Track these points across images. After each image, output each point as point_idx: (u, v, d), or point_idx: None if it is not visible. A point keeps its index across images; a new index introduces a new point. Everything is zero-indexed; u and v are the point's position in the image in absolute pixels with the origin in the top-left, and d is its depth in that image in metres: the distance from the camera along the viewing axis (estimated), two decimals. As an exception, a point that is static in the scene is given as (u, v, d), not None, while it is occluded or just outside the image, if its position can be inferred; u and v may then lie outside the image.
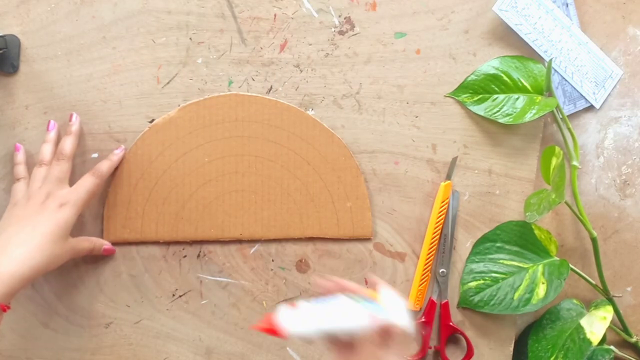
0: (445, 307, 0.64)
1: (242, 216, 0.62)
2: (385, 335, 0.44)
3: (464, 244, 0.64)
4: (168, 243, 0.63)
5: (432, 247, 0.63)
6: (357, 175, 0.62)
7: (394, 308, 0.44)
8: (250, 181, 0.62)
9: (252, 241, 0.63)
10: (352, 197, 0.62)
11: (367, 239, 0.63)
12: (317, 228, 0.63)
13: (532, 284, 0.61)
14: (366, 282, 0.64)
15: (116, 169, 0.60)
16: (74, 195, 0.56)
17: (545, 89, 0.62)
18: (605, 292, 0.65)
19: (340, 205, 0.62)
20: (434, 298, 0.64)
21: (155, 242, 0.62)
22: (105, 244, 0.61)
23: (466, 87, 0.62)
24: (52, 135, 0.59)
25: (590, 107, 0.66)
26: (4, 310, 0.50)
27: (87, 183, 0.57)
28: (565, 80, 0.64)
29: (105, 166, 0.59)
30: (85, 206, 0.57)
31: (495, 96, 0.63)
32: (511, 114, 0.61)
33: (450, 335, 0.64)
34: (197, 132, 0.61)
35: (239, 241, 0.63)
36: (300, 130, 0.62)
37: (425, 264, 0.63)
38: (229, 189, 0.62)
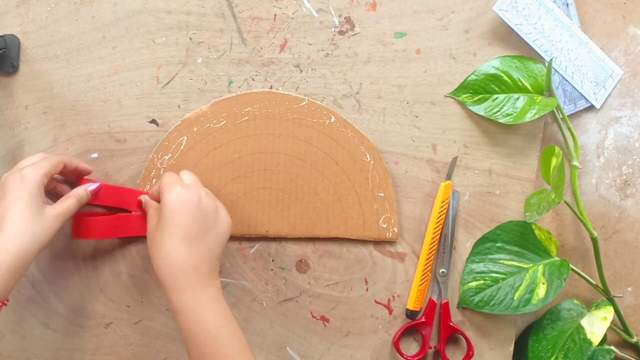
0: (445, 307, 0.64)
1: (269, 213, 0.62)
2: None
3: (464, 244, 0.64)
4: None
5: (432, 247, 0.63)
6: (385, 177, 0.62)
7: None
8: (278, 179, 0.62)
9: (277, 239, 0.63)
10: (379, 199, 0.62)
11: (387, 242, 0.64)
12: (343, 228, 0.63)
13: (533, 284, 0.61)
14: (366, 283, 0.64)
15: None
16: (32, 168, 0.52)
17: (545, 89, 0.62)
18: (605, 292, 0.65)
19: (367, 207, 0.62)
20: (434, 298, 0.64)
21: None
22: (90, 187, 0.57)
23: (466, 87, 0.62)
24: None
25: (591, 107, 0.66)
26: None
27: (51, 157, 0.54)
28: (566, 80, 0.64)
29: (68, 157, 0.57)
30: (50, 174, 0.53)
31: (496, 96, 0.63)
32: (511, 114, 0.61)
33: (451, 336, 0.64)
34: (228, 127, 0.61)
35: (239, 241, 0.63)
36: (330, 129, 0.62)
37: (426, 264, 0.63)
38: (257, 185, 0.62)
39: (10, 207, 0.50)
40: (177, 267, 0.50)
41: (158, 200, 0.56)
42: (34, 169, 0.52)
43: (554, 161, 0.61)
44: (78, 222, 0.59)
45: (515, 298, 0.61)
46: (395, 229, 0.63)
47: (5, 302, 0.50)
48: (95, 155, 0.62)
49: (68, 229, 0.61)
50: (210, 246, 0.52)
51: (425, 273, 0.63)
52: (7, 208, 0.50)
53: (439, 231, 0.63)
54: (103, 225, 0.59)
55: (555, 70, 0.64)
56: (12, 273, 0.49)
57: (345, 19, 0.62)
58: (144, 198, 0.59)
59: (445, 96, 0.63)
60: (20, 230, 0.49)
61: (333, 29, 0.62)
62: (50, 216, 0.52)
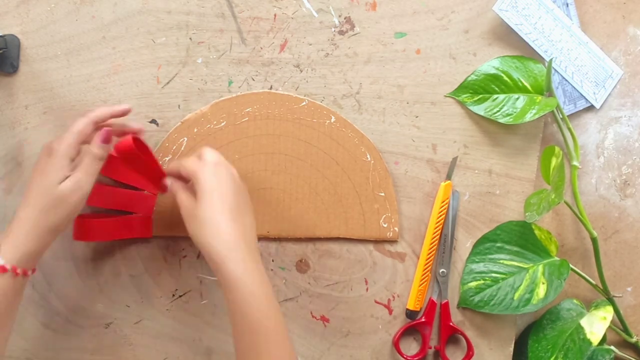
0: (445, 307, 0.64)
1: (269, 214, 0.62)
2: None
3: (464, 244, 0.64)
4: (168, 243, 0.63)
5: (432, 247, 0.63)
6: (385, 177, 0.62)
7: None
8: (279, 179, 0.62)
9: (277, 239, 0.63)
10: (379, 199, 0.62)
11: (387, 242, 0.64)
12: (344, 228, 0.63)
13: (532, 284, 0.61)
14: (366, 283, 0.64)
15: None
16: (57, 140, 0.52)
17: (545, 89, 0.62)
18: (605, 292, 0.65)
19: (367, 207, 0.62)
20: (434, 298, 0.64)
21: (183, 237, 0.63)
22: (99, 136, 0.54)
23: (466, 87, 0.62)
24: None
25: (591, 107, 0.66)
26: (16, 274, 0.50)
27: (75, 124, 0.53)
28: (566, 80, 0.64)
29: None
30: (78, 142, 0.53)
31: (496, 96, 0.63)
32: (511, 114, 0.61)
33: (451, 335, 0.64)
34: (228, 128, 0.61)
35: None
36: (330, 130, 0.62)
37: (426, 264, 0.63)
38: (258, 186, 0.62)
39: (32, 181, 0.52)
40: (228, 240, 0.50)
41: (178, 178, 0.56)
42: (57, 144, 0.52)
43: (554, 161, 0.61)
44: (79, 225, 0.59)
45: (515, 298, 0.61)
46: (396, 229, 0.63)
47: (28, 271, 0.51)
48: (95, 155, 0.61)
49: (69, 230, 0.61)
50: (251, 218, 0.54)
51: (425, 273, 0.63)
52: (30, 181, 0.52)
53: (439, 231, 0.63)
54: (104, 228, 0.59)
55: (555, 70, 0.64)
56: (35, 242, 0.50)
57: (345, 19, 0.62)
58: (169, 181, 0.57)
59: (445, 96, 0.63)
60: (39, 203, 0.51)
61: (333, 29, 0.62)
62: (62, 188, 0.51)
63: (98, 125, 0.55)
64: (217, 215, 0.51)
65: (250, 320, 0.49)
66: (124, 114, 0.56)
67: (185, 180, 0.55)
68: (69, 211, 0.52)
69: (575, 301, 0.65)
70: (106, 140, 0.54)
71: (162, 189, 0.57)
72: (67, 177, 0.52)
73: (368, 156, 0.62)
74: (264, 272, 0.52)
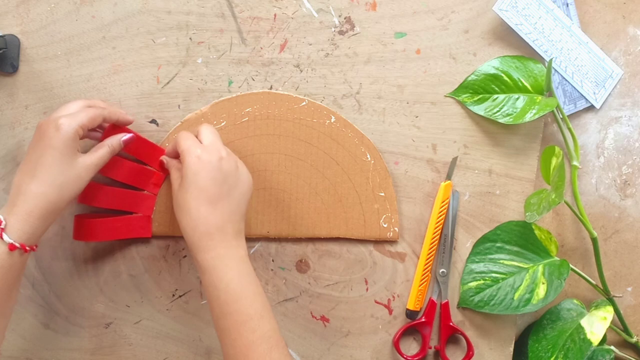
0: (445, 307, 0.64)
1: (269, 214, 0.62)
2: None
3: (464, 244, 0.64)
4: (168, 243, 0.63)
5: (432, 247, 0.63)
6: (385, 177, 0.62)
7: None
8: (279, 179, 0.62)
9: (277, 239, 0.63)
10: (379, 199, 0.62)
11: (387, 242, 0.64)
12: (344, 228, 0.63)
13: (532, 284, 0.61)
14: (366, 283, 0.64)
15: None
16: (70, 117, 0.51)
17: (545, 89, 0.62)
18: (605, 292, 0.65)
19: (367, 207, 0.62)
20: (434, 298, 0.64)
21: (177, 237, 0.63)
22: (124, 137, 0.56)
23: (466, 87, 0.62)
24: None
25: (591, 107, 0.66)
26: (25, 251, 0.49)
27: (90, 110, 0.54)
28: (566, 80, 0.64)
29: (113, 110, 0.57)
30: (87, 127, 0.52)
31: (496, 96, 0.63)
32: (511, 114, 0.61)
33: (451, 335, 0.64)
34: (228, 128, 0.61)
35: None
36: (330, 130, 0.62)
37: (426, 264, 0.63)
38: (258, 186, 0.62)
39: (42, 155, 0.50)
40: (202, 229, 0.51)
41: (176, 157, 0.57)
42: (70, 120, 0.51)
43: (554, 161, 0.61)
44: (79, 224, 0.59)
45: (515, 298, 0.61)
46: (396, 229, 0.63)
47: (34, 247, 0.50)
48: (95, 155, 0.61)
49: (69, 230, 0.61)
50: (233, 207, 0.53)
51: (425, 273, 0.63)
52: (39, 156, 0.50)
53: (439, 231, 0.63)
54: (104, 228, 0.59)
55: (555, 70, 0.64)
56: (42, 219, 0.50)
57: (345, 19, 0.62)
58: (165, 159, 0.59)
59: (445, 96, 0.63)
60: (52, 178, 0.50)
61: (333, 29, 0.62)
62: (83, 166, 0.52)
63: (102, 123, 0.55)
64: (193, 201, 0.51)
65: (220, 304, 0.50)
66: (127, 123, 0.58)
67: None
68: (81, 189, 0.52)
69: (575, 301, 0.65)
70: (128, 143, 0.57)
71: (162, 168, 0.59)
72: (80, 155, 0.52)
73: (368, 156, 0.62)
74: (242, 260, 0.52)
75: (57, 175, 0.50)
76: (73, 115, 0.52)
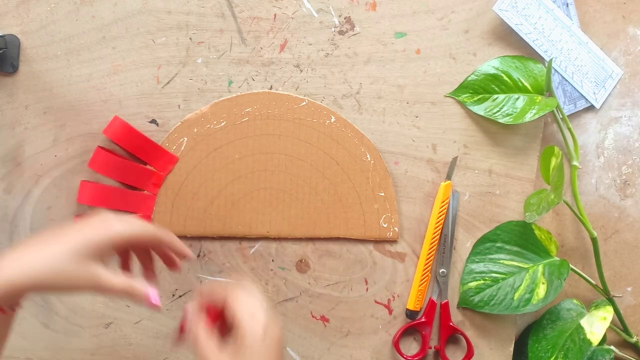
0: (445, 307, 0.64)
1: (269, 214, 0.62)
2: None
3: (464, 244, 0.64)
4: (194, 238, 0.63)
5: (432, 247, 0.63)
6: (385, 177, 0.62)
7: None
8: (279, 179, 0.62)
9: (277, 239, 0.63)
10: (379, 199, 0.62)
11: (387, 242, 0.64)
12: (344, 228, 0.63)
13: (532, 284, 0.61)
14: (366, 283, 0.64)
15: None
16: (121, 221, 0.45)
17: (545, 89, 0.62)
18: (605, 292, 0.65)
19: (367, 207, 0.63)
20: (434, 298, 0.64)
21: (183, 237, 0.62)
22: (152, 296, 0.46)
23: (466, 87, 0.62)
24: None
25: (591, 107, 0.66)
26: (4, 313, 0.46)
27: (146, 224, 0.47)
28: (566, 80, 0.64)
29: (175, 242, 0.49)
30: (132, 242, 0.46)
31: (496, 96, 0.63)
32: (511, 114, 0.61)
33: (451, 336, 0.64)
34: (228, 128, 0.61)
35: (239, 241, 0.63)
36: (330, 130, 0.62)
37: (426, 264, 0.63)
38: (258, 186, 0.62)
39: (66, 235, 0.43)
40: None
41: (213, 311, 0.48)
42: (120, 224, 0.45)
43: (553, 161, 0.61)
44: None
45: (515, 298, 0.61)
46: (396, 229, 0.63)
47: (15, 307, 0.47)
48: (95, 155, 0.61)
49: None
50: None
51: (425, 273, 0.63)
52: (64, 235, 0.43)
53: (439, 231, 0.63)
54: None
55: (555, 70, 0.64)
56: (19, 290, 0.42)
57: (345, 19, 0.62)
58: (190, 309, 0.47)
59: (445, 96, 0.63)
60: (52, 261, 0.42)
61: (333, 29, 0.62)
62: (90, 271, 0.43)
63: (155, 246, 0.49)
64: None
65: None
66: (183, 257, 0.51)
67: (213, 309, 0.47)
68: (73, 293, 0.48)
69: (575, 301, 0.65)
70: (149, 304, 0.46)
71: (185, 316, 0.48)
72: (99, 266, 0.44)
73: (368, 156, 0.62)
74: None
75: (58, 265, 0.42)
76: (127, 222, 0.45)
